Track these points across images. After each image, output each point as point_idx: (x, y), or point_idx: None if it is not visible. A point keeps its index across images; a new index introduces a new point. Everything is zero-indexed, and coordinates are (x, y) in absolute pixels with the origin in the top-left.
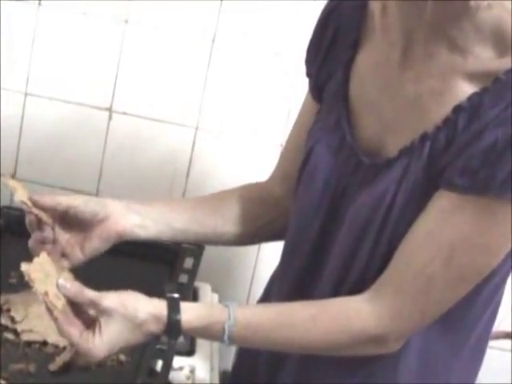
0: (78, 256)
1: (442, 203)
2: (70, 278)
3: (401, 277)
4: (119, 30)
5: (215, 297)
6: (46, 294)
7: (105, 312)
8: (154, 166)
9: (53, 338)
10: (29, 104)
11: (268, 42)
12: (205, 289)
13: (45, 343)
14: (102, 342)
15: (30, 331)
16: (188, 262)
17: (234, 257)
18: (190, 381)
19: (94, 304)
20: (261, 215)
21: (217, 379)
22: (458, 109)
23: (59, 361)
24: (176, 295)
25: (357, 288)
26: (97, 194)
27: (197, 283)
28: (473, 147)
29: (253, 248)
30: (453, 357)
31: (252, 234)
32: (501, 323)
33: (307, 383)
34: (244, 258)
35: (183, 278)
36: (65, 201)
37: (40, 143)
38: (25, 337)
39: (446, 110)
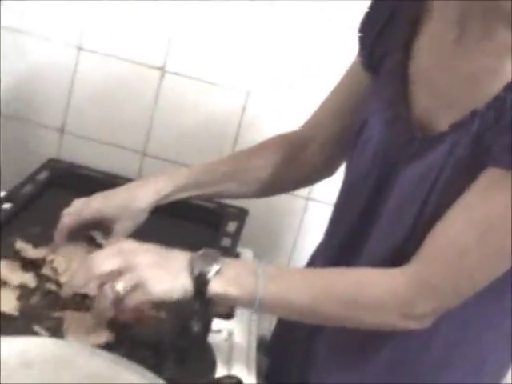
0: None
1: (486, 179)
2: None
3: (434, 245)
4: None
5: None
6: None
7: None
8: (203, 128)
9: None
10: (82, 58)
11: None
12: (246, 254)
13: (86, 296)
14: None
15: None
16: (231, 226)
17: (276, 223)
18: (227, 343)
19: None
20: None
21: (254, 343)
22: (508, 87)
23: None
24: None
25: (400, 259)
26: (144, 154)
27: (239, 248)
28: None
29: (296, 215)
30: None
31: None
32: None
33: (341, 357)
34: (287, 225)
35: (226, 242)
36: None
37: (90, 99)
38: None
39: (498, 88)
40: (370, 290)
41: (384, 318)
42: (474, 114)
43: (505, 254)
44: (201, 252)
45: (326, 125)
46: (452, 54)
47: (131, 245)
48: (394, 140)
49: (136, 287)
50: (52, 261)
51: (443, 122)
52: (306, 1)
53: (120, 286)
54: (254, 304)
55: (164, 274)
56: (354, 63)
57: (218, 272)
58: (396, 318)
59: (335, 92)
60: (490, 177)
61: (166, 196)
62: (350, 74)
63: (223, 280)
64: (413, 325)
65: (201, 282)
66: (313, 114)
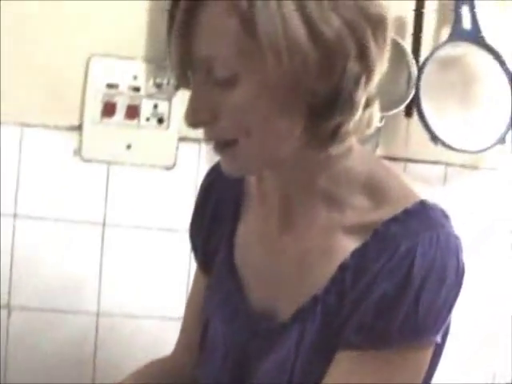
0: None
1: (343, 364)
2: None
3: None
4: None
5: None
6: None
7: None
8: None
9: None
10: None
11: None
12: None
13: None
14: None
15: None
16: None
17: None
18: None
19: None
20: None
21: None
22: (343, 267)
23: None
24: None
25: None
26: None
27: None
28: (364, 303)
29: None
30: None
31: None
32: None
33: None
34: None
35: None
36: None
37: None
38: None
39: (331, 268)
40: None
41: None
42: (315, 299)
43: None
44: None
45: (190, 343)
46: (278, 241)
47: None
48: (237, 338)
49: None
50: None
51: (284, 311)
52: None
53: None
54: None
55: None
56: (196, 269)
57: None
58: None
59: (188, 307)
60: (347, 361)
61: None
62: (194, 281)
63: None
64: None
65: None
66: (178, 338)
